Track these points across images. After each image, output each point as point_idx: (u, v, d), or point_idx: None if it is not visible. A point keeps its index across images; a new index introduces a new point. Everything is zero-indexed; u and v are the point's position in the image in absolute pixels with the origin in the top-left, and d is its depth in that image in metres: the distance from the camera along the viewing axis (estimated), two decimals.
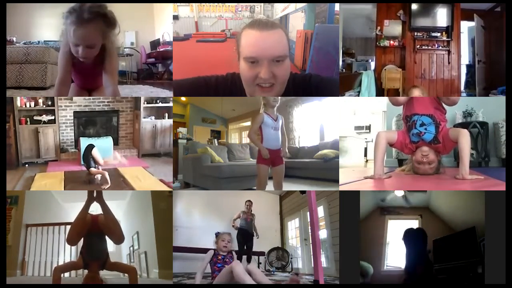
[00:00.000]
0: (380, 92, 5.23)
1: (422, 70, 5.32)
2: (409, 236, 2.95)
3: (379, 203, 3.30)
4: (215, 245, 2.74)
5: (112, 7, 2.44)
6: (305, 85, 2.14)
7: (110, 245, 2.57)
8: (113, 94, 2.60)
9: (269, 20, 2.02)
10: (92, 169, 3.58)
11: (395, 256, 3.18)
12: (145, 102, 5.61)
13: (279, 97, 2.82)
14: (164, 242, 3.37)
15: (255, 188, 2.95)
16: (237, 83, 2.10)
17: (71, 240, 2.48)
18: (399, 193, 3.03)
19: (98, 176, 3.58)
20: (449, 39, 5.26)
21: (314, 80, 2.15)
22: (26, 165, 4.94)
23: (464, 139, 2.61)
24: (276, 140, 2.84)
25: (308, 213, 2.78)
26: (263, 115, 2.79)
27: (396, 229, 3.29)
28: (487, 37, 5.43)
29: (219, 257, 2.65)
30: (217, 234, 2.79)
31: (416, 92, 3.34)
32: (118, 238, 2.51)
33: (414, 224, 3.26)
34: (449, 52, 5.29)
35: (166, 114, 5.70)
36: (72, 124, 5.54)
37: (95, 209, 2.50)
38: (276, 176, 2.89)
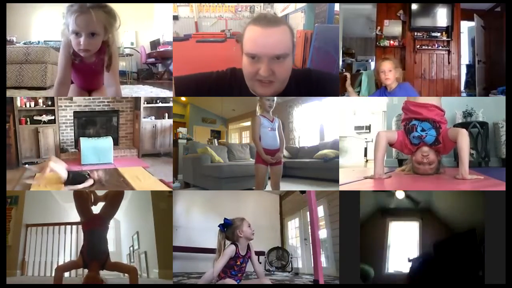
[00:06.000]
0: None
1: (422, 70, 5.30)
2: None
3: (380, 205, 3.29)
4: (222, 239, 2.24)
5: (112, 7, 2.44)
6: (306, 80, 2.13)
7: (110, 245, 2.57)
8: (115, 94, 2.60)
9: (275, 16, 2.01)
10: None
11: (397, 259, 3.18)
12: (145, 102, 5.61)
13: (274, 102, 2.88)
14: (164, 242, 3.36)
15: (254, 188, 2.95)
16: (237, 77, 2.09)
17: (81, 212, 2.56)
18: (401, 195, 3.02)
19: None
20: (449, 39, 5.24)
21: (315, 75, 2.16)
22: (26, 165, 4.93)
23: (463, 139, 2.60)
24: (274, 140, 2.88)
25: (308, 213, 2.78)
26: (260, 118, 2.86)
27: (397, 232, 3.29)
28: (487, 37, 5.43)
29: (238, 261, 2.18)
30: (229, 222, 2.25)
31: (387, 65, 3.30)
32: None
33: (415, 226, 3.25)
34: (449, 52, 5.28)
35: (166, 114, 5.70)
36: (72, 124, 5.54)
37: (95, 209, 2.51)
38: (273, 176, 2.92)
